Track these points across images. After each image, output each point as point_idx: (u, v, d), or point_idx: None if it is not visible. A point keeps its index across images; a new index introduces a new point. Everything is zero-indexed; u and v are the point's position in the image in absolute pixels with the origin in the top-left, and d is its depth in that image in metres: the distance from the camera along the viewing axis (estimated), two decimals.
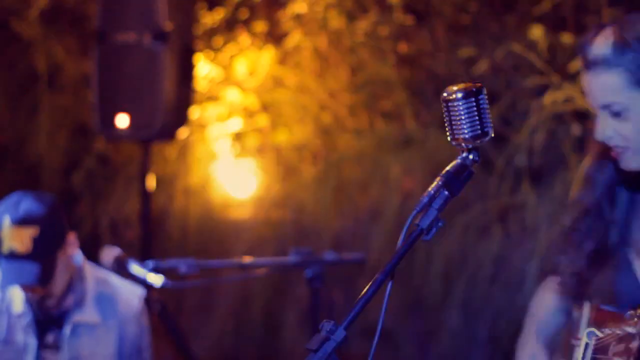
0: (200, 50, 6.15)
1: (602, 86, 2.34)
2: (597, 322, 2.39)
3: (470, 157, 2.26)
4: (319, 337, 2.07)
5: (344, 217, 6.00)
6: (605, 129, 2.36)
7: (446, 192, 2.20)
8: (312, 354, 2.05)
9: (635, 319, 2.02)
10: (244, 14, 6.37)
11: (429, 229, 2.18)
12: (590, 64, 2.34)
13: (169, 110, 5.16)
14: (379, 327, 2.14)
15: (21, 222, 3.37)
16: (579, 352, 2.37)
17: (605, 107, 2.34)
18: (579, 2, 5.42)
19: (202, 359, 5.61)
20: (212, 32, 6.38)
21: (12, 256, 3.39)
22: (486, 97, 2.29)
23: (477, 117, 2.24)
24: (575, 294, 2.51)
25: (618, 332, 2.04)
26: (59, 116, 6.65)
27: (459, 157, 2.26)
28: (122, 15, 5.20)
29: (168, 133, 5.34)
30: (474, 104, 2.24)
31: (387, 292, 2.14)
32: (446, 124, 2.27)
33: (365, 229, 5.88)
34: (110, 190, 6.59)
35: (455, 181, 2.22)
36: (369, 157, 5.99)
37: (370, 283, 2.13)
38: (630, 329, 2.00)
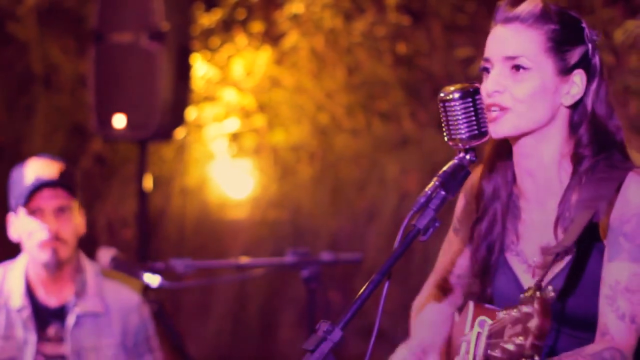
0: (197, 51, 6.14)
1: (517, 39, 2.30)
2: (484, 315, 2.35)
3: (467, 157, 2.26)
4: (316, 338, 2.07)
5: (340, 217, 6.00)
6: (500, 80, 2.29)
7: (443, 193, 2.21)
8: (309, 354, 2.06)
9: (531, 299, 1.98)
10: (241, 14, 6.37)
11: (425, 229, 2.18)
12: (512, 19, 2.32)
13: (166, 110, 5.16)
14: (375, 327, 2.14)
15: (50, 158, 3.57)
16: (471, 343, 2.32)
17: (509, 59, 2.30)
18: (574, 3, 5.42)
19: (199, 359, 5.60)
20: (209, 33, 6.37)
21: (38, 181, 3.47)
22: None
23: (474, 118, 2.25)
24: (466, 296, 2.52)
25: (514, 313, 2.00)
26: (56, 116, 6.64)
27: (456, 157, 2.27)
28: (118, 15, 5.20)
29: (165, 133, 5.33)
30: (471, 104, 2.25)
31: (384, 292, 2.15)
32: (443, 124, 2.28)
33: (362, 229, 5.87)
34: (107, 191, 6.58)
35: (452, 181, 2.23)
36: (365, 157, 5.99)
37: (367, 283, 2.13)
38: (526, 309, 1.96)
